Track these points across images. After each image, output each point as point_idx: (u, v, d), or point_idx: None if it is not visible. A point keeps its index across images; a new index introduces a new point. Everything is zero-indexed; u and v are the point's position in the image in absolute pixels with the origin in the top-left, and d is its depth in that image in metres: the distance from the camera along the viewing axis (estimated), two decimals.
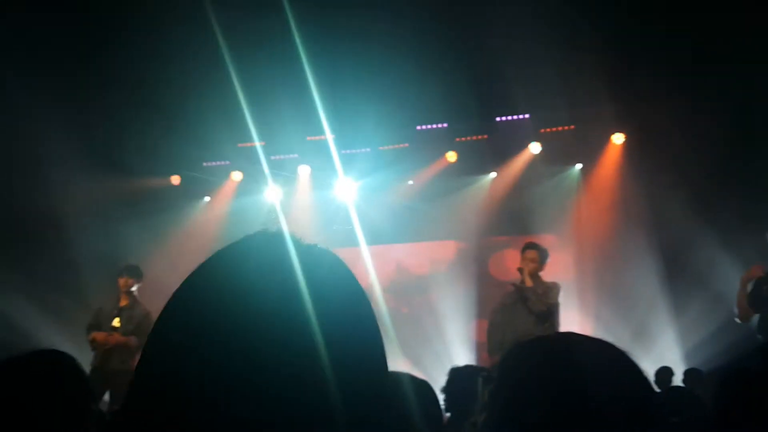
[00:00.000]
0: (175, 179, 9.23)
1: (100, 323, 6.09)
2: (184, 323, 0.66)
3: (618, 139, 8.04)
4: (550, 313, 5.30)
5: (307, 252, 0.71)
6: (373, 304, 0.73)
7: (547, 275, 5.59)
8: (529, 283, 5.34)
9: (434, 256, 9.16)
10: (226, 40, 6.25)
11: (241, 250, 0.71)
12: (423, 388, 2.25)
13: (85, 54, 6.91)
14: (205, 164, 9.25)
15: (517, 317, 5.32)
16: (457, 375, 3.13)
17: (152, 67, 6.95)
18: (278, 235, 0.72)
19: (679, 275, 7.36)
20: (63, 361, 1.72)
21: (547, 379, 0.96)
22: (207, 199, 9.50)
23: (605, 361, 0.98)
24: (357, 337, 0.68)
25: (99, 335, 5.97)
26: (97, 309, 6.26)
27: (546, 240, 6.85)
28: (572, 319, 6.97)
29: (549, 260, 5.60)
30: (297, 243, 0.72)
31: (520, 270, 5.43)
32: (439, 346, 8.35)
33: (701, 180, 7.18)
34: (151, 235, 8.56)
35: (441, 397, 3.13)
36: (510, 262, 6.69)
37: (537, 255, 5.44)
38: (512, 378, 1.01)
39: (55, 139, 7.20)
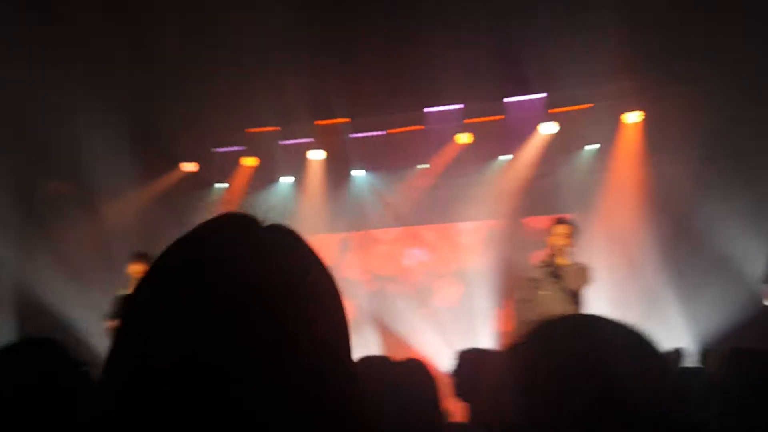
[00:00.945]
0: (190, 166, 9.21)
1: (120, 311, 6.13)
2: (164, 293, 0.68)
3: (635, 117, 7.88)
4: (582, 294, 5.10)
5: (268, 231, 0.75)
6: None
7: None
8: (562, 260, 5.09)
9: (450, 240, 9.04)
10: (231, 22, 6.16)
11: (211, 230, 0.75)
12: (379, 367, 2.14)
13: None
14: (216, 150, 9.20)
15: (548, 296, 5.07)
16: (464, 359, 2.97)
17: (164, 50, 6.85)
18: (242, 217, 0.77)
19: (697, 255, 7.24)
20: (49, 348, 1.71)
21: (575, 361, 0.93)
22: (221, 185, 9.45)
23: (633, 347, 0.96)
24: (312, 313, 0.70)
25: (114, 323, 6.02)
26: (118, 297, 6.27)
27: None
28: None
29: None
30: (256, 224, 0.76)
31: (553, 246, 5.13)
32: (457, 336, 8.19)
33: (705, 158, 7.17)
34: (170, 222, 8.56)
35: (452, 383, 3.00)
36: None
37: (569, 230, 5.17)
38: (536, 358, 0.97)
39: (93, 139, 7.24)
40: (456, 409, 2.97)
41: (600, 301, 7.40)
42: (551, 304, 4.97)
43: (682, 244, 7.35)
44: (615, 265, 7.81)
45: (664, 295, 7.52)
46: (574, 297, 5.05)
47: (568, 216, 5.64)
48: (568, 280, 4.99)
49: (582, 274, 5.06)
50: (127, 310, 0.69)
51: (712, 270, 7.11)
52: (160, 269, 0.70)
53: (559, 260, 5.08)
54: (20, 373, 1.59)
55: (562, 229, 5.17)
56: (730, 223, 7.04)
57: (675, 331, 7.40)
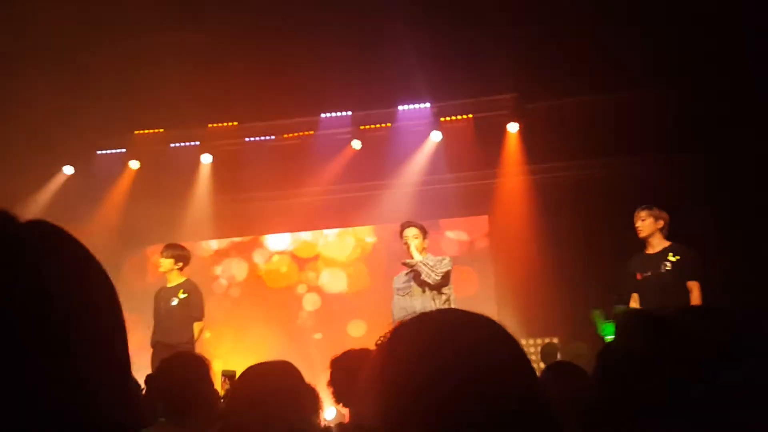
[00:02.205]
0: (68, 169, 8.78)
1: None
2: None
3: (514, 128, 8.28)
4: (446, 285, 5.30)
5: (23, 229, 0.68)
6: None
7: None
8: (417, 256, 5.34)
9: (345, 244, 9.16)
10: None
11: None
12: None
13: None
14: (99, 153, 8.84)
15: (413, 295, 5.33)
16: (340, 364, 2.97)
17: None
18: None
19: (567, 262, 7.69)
20: None
21: (426, 357, 0.93)
22: (103, 189, 9.03)
23: (485, 337, 0.97)
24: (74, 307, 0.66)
25: None
26: None
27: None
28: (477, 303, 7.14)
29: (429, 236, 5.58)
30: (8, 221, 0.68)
31: (406, 246, 5.40)
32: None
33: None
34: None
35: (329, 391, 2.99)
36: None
37: (418, 231, 5.44)
38: (392, 357, 0.97)
39: None
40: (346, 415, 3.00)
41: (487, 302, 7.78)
42: (419, 303, 5.19)
43: (554, 252, 7.76)
44: (500, 268, 8.23)
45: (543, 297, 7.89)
46: (439, 290, 5.26)
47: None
48: (426, 272, 5.22)
49: (438, 264, 5.28)
50: None
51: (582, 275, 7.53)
52: None
53: (415, 257, 5.32)
54: None
55: (410, 231, 5.45)
56: (602, 234, 7.43)
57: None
